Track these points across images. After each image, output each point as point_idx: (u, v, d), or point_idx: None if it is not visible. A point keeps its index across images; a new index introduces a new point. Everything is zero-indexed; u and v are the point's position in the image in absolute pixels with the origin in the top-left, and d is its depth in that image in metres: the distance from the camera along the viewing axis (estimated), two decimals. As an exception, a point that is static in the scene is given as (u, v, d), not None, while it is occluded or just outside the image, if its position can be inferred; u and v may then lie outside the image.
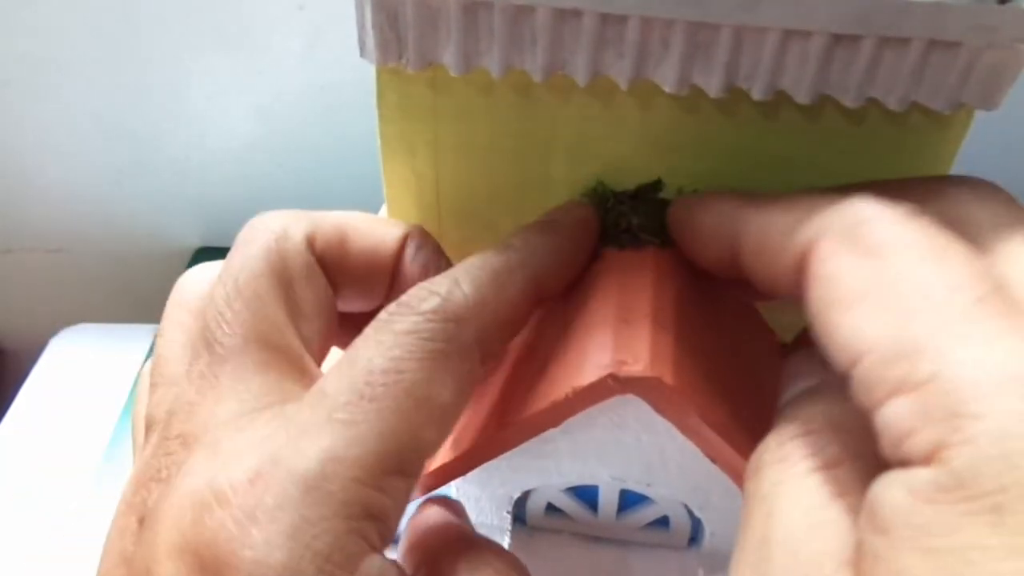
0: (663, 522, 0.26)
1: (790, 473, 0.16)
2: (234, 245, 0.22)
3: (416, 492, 0.23)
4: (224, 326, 0.20)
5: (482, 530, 0.26)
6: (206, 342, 0.20)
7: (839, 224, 0.16)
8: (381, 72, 0.22)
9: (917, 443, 0.14)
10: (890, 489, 0.14)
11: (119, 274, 0.71)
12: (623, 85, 0.20)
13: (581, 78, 0.20)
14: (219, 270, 0.22)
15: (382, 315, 0.19)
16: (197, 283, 0.22)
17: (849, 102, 0.20)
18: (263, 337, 0.20)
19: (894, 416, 0.14)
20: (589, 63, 0.20)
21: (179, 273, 0.81)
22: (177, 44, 0.58)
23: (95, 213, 0.67)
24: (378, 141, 0.24)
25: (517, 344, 0.24)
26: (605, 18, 0.19)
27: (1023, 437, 0.13)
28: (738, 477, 0.21)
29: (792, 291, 0.18)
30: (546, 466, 0.24)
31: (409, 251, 0.23)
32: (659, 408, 0.20)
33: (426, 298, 0.19)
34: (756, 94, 0.20)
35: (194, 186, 0.66)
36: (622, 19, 0.19)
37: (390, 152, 0.24)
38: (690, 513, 0.25)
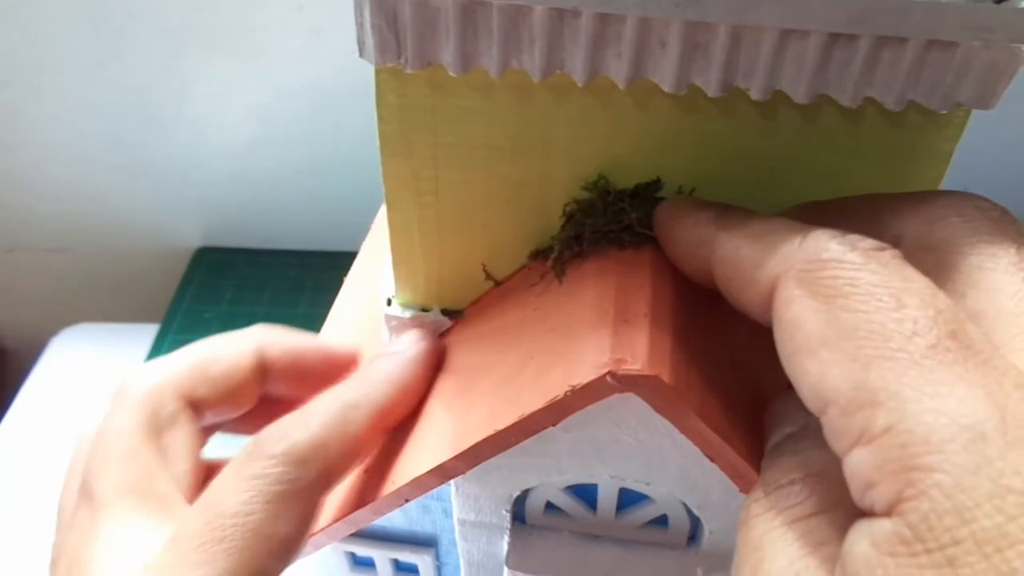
0: (662, 521, 0.26)
1: (775, 523, 0.17)
2: (111, 402, 0.25)
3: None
4: (99, 480, 0.23)
5: (481, 529, 0.26)
6: (86, 495, 0.23)
7: (800, 264, 0.17)
8: (380, 72, 0.22)
9: (879, 494, 0.14)
10: (858, 540, 0.15)
11: (119, 274, 0.71)
12: (621, 85, 0.20)
13: (579, 78, 0.20)
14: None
15: (241, 455, 0.22)
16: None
17: (847, 101, 0.20)
18: (133, 487, 0.23)
19: (858, 466, 0.15)
20: (587, 63, 0.20)
21: (179, 273, 0.81)
22: (177, 44, 0.59)
23: (96, 213, 0.67)
24: (377, 141, 0.24)
25: (508, 343, 0.24)
26: (603, 18, 0.19)
27: (973, 489, 0.13)
28: (736, 476, 0.21)
29: (765, 320, 0.18)
30: (545, 465, 0.24)
31: (272, 354, 0.27)
32: (657, 407, 0.20)
33: (276, 441, 0.22)
34: (754, 94, 0.20)
35: (194, 186, 0.67)
36: (620, 19, 0.19)
37: (389, 152, 0.24)
38: (689, 512, 0.25)
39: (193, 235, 0.68)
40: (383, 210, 0.27)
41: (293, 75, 0.59)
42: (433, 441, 0.24)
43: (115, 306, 0.69)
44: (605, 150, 0.23)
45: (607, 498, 0.26)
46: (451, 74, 0.21)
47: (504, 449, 0.22)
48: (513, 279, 0.26)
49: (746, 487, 0.22)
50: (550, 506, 0.26)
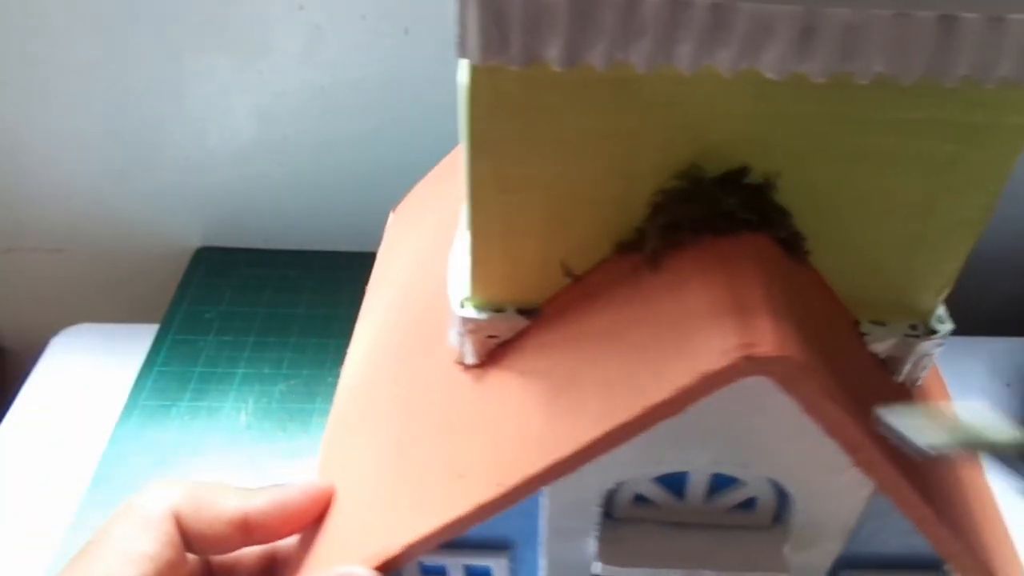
0: (748, 503, 0.26)
1: None
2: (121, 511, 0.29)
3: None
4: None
5: (571, 525, 0.26)
6: None
7: None
8: (475, 71, 0.21)
9: None
10: None
11: (119, 274, 0.71)
12: (726, 73, 0.20)
13: (686, 67, 0.20)
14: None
15: None
16: None
17: (947, 82, 0.20)
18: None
19: None
20: (695, 53, 0.20)
21: (179, 273, 0.81)
22: (177, 44, 0.59)
23: (95, 213, 0.67)
24: (464, 140, 0.23)
25: (608, 341, 0.24)
26: (716, 7, 0.19)
27: None
28: (855, 451, 0.22)
29: None
30: (645, 456, 0.24)
31: (256, 511, 0.29)
32: (787, 387, 0.20)
33: None
34: (859, 77, 0.20)
35: (194, 186, 0.67)
36: (733, 8, 0.19)
37: (478, 152, 0.23)
38: (778, 491, 0.26)
39: (193, 235, 0.68)
40: (396, 211, 0.27)
41: (293, 75, 0.59)
42: (537, 443, 0.24)
43: (115, 306, 0.69)
44: (695, 140, 0.23)
45: (697, 484, 0.26)
46: (555, 70, 0.20)
47: (620, 444, 0.22)
48: (593, 274, 0.26)
49: (861, 460, 0.22)
50: (638, 497, 0.26)
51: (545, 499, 0.25)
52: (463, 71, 0.22)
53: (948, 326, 0.26)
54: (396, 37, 0.57)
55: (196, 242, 0.69)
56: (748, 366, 0.20)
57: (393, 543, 0.25)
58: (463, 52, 0.20)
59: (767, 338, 0.20)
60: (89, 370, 0.59)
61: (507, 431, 0.25)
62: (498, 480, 0.24)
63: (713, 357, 0.20)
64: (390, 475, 0.28)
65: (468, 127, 0.23)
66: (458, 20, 0.20)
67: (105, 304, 0.70)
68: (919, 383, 0.28)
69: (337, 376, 0.60)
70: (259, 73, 0.59)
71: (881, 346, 0.26)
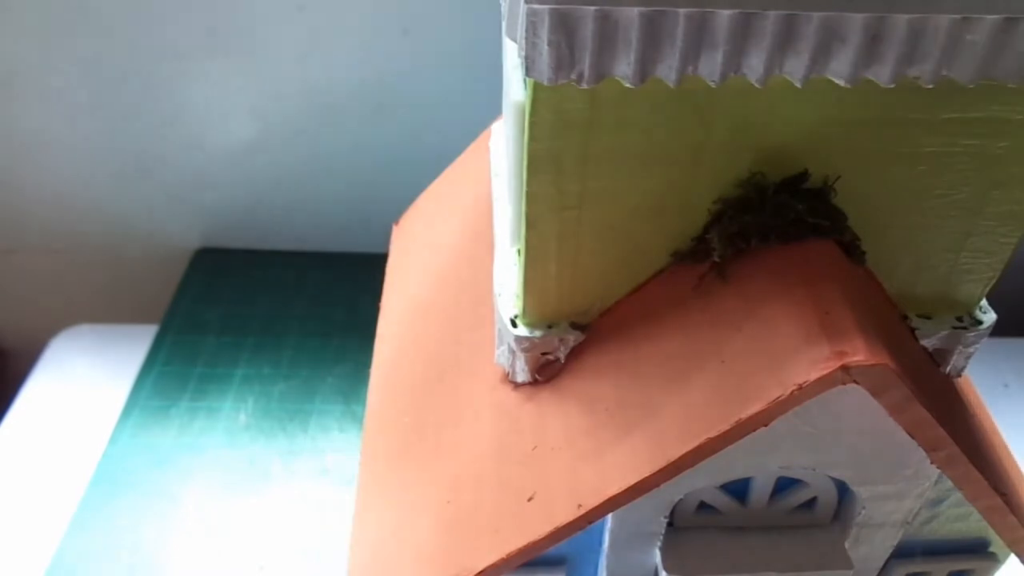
0: (810, 503, 0.27)
1: None
2: None
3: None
4: None
5: (635, 539, 0.26)
6: None
7: None
8: (538, 89, 0.21)
9: None
10: None
11: (119, 274, 0.71)
12: (798, 83, 0.20)
13: (758, 79, 0.20)
14: None
15: None
16: None
17: (1013, 84, 0.20)
18: None
19: None
20: (767, 63, 0.20)
21: (179, 273, 0.81)
22: (177, 45, 0.59)
23: (95, 213, 0.67)
24: (516, 159, 0.23)
25: (684, 353, 0.24)
26: (788, 18, 0.19)
27: None
28: (933, 449, 0.22)
29: None
30: (719, 467, 0.24)
31: None
32: (878, 393, 0.21)
33: None
34: (925, 81, 0.20)
35: (194, 186, 0.67)
36: (807, 18, 0.19)
37: (536, 170, 0.23)
38: (839, 488, 0.26)
39: (192, 236, 0.68)
40: (399, 224, 0.26)
41: (292, 76, 0.59)
42: (615, 463, 0.23)
43: (114, 307, 0.68)
44: (756, 148, 0.23)
45: (761, 489, 0.26)
46: (626, 86, 0.20)
47: (707, 457, 0.22)
48: (650, 286, 0.26)
49: (939, 459, 0.22)
50: (701, 505, 0.27)
51: (611, 514, 0.25)
52: (519, 90, 0.22)
53: (992, 316, 0.27)
54: (395, 37, 0.57)
55: (196, 242, 0.69)
56: (843, 376, 0.20)
57: (465, 568, 0.25)
58: (531, 72, 0.20)
59: (859, 346, 0.20)
60: (89, 370, 0.59)
61: (577, 451, 0.25)
62: (577, 502, 0.23)
63: (803, 368, 0.21)
64: (445, 500, 0.27)
65: (527, 146, 0.22)
66: (524, 41, 0.19)
67: (105, 304, 0.70)
68: (963, 373, 0.28)
69: (337, 376, 0.61)
70: (259, 74, 0.59)
71: (931, 339, 0.27)
